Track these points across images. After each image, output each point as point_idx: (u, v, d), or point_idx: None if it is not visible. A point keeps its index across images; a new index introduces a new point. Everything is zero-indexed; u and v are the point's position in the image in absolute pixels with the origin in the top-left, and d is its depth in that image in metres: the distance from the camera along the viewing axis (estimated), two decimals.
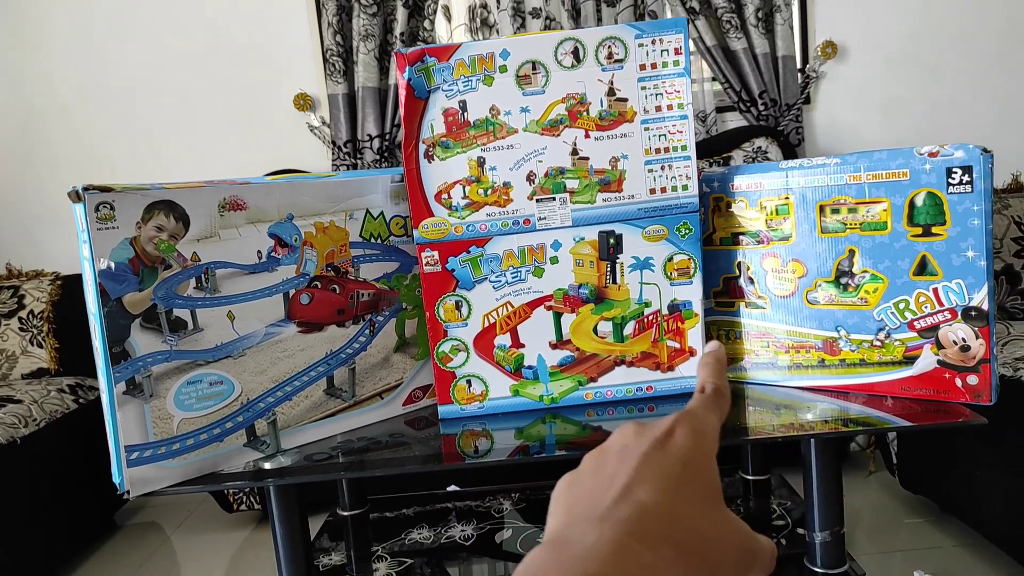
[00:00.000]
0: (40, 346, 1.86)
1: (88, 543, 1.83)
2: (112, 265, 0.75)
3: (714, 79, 2.15)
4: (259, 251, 0.85)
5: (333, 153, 2.22)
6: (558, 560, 0.26)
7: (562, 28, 2.16)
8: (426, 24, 2.14)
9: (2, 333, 1.86)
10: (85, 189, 0.73)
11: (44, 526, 1.59)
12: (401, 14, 2.10)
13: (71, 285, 1.96)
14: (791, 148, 2.04)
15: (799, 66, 2.18)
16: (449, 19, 2.27)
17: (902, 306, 0.82)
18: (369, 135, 2.18)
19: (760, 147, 1.98)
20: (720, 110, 2.20)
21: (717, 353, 0.41)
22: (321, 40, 2.19)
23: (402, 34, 2.11)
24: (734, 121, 2.18)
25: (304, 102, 2.23)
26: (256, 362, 0.85)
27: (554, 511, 0.30)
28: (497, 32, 2.17)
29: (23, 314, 1.89)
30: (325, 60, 2.17)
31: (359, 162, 2.20)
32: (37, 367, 1.86)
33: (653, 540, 0.27)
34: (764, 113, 2.11)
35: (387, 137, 2.19)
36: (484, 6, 2.19)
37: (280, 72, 2.25)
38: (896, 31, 2.17)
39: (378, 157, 2.19)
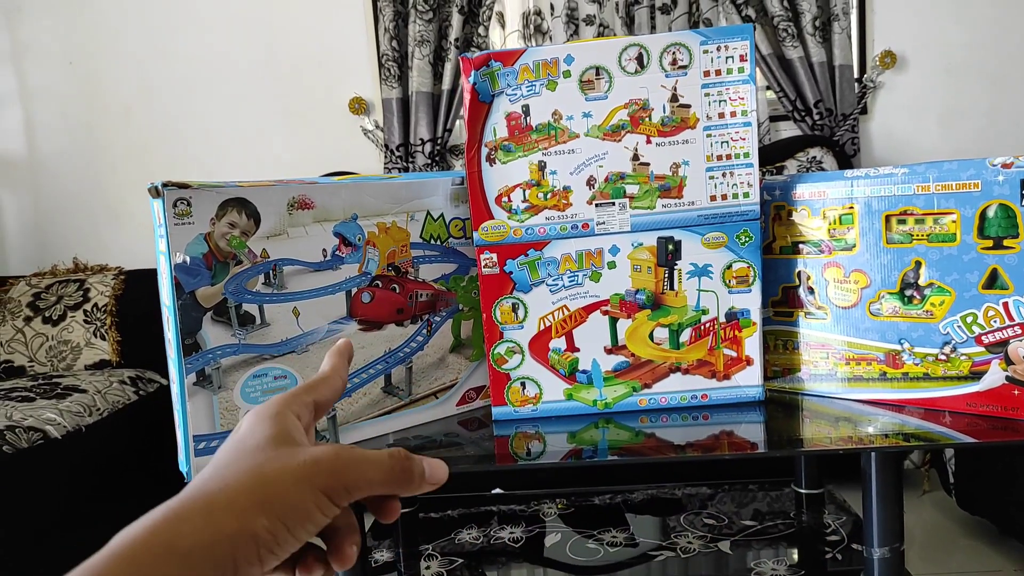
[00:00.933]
0: (103, 338, 1.93)
1: None
2: (187, 259, 0.78)
3: (768, 88, 2.13)
4: (324, 249, 0.87)
5: (385, 156, 2.26)
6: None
7: (615, 35, 2.16)
8: (480, 31, 2.17)
9: (68, 325, 1.94)
10: (164, 185, 0.76)
11: (107, 513, 1.65)
12: (456, 20, 2.13)
13: (133, 280, 2.03)
14: (846, 159, 2.01)
15: (856, 76, 2.14)
16: (503, 26, 2.29)
17: (969, 320, 0.80)
18: (421, 139, 2.21)
19: (815, 157, 1.95)
20: (774, 119, 2.18)
21: (341, 345, 0.48)
22: (377, 45, 2.23)
23: (456, 40, 2.14)
24: (788, 130, 2.16)
25: (359, 106, 2.28)
26: (318, 358, 0.87)
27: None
28: (550, 39, 2.18)
29: (88, 307, 1.96)
30: (380, 65, 2.21)
31: (411, 165, 2.24)
32: (100, 359, 1.93)
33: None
34: (819, 123, 2.08)
35: (439, 141, 2.22)
36: (538, 13, 2.21)
37: (336, 76, 2.30)
38: (956, 40, 2.12)
39: (429, 161, 2.22)
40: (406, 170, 2.25)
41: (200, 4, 2.32)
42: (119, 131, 2.39)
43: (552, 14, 2.16)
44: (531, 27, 2.22)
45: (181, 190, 0.77)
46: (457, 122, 2.24)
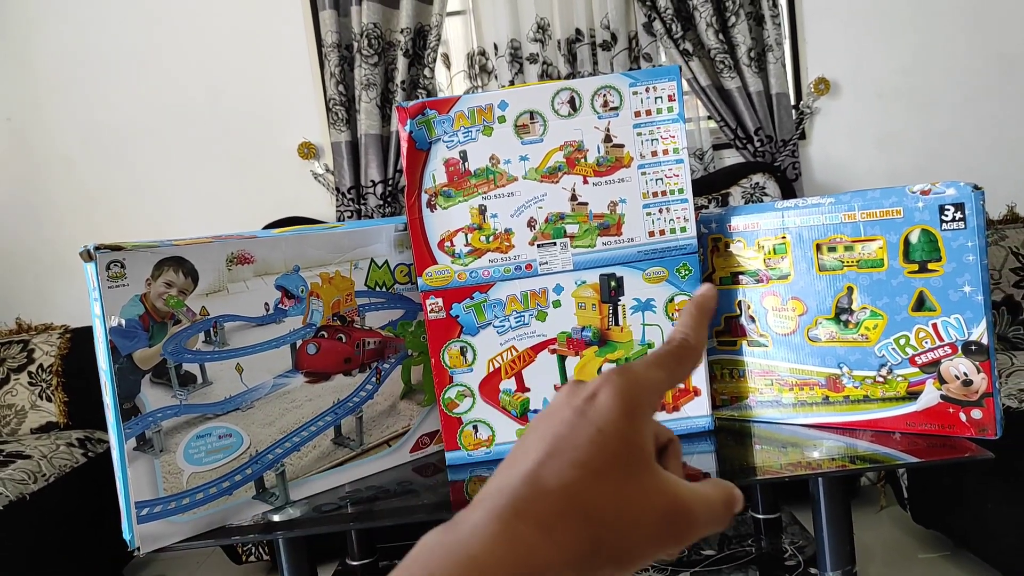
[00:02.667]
0: (49, 400, 1.87)
1: None
2: (123, 322, 0.76)
3: (710, 117, 2.19)
4: (266, 303, 0.86)
5: (337, 199, 2.25)
6: (442, 542, 0.26)
7: (559, 73, 2.20)
8: (426, 72, 2.19)
9: (11, 388, 1.88)
10: (96, 248, 0.75)
11: None
12: (402, 63, 2.15)
13: (80, 338, 1.98)
14: (788, 183, 2.06)
15: (793, 103, 2.22)
16: (448, 67, 2.32)
17: (903, 342, 0.83)
18: (372, 181, 2.21)
19: (758, 183, 2.00)
20: (717, 147, 2.23)
21: (700, 299, 0.36)
22: (324, 90, 2.24)
23: (403, 82, 2.16)
24: (731, 158, 2.21)
25: (308, 150, 2.27)
26: (264, 414, 0.86)
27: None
28: (495, 78, 2.21)
29: (32, 368, 1.90)
30: (328, 109, 2.22)
31: (363, 207, 2.23)
32: (46, 421, 1.87)
33: (546, 520, 0.26)
34: (760, 149, 2.14)
35: (390, 183, 2.22)
36: (482, 53, 2.25)
37: (283, 121, 2.30)
38: (887, 66, 2.21)
39: (381, 202, 2.22)
40: (359, 212, 2.25)
41: (143, 53, 2.30)
42: (61, 185, 2.35)
43: (496, 54, 2.20)
44: (476, 67, 2.25)
45: (114, 252, 0.76)
46: None
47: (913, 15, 2.19)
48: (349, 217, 2.24)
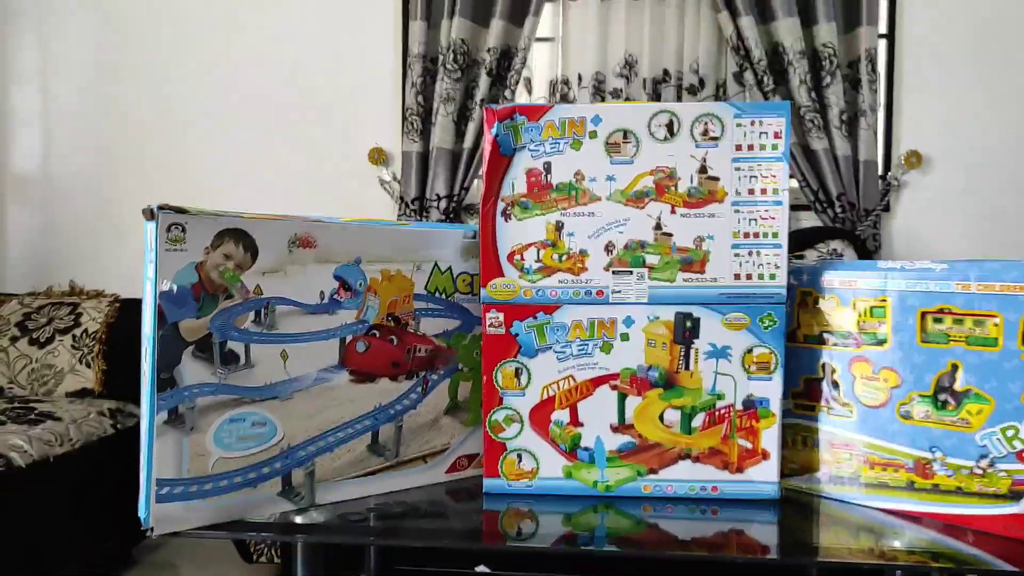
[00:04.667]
0: (88, 366, 1.86)
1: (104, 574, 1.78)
2: (175, 288, 0.73)
3: (792, 176, 2.11)
4: (322, 291, 0.82)
5: (400, 209, 2.24)
6: None
7: None
8: (507, 93, 2.17)
9: (54, 349, 1.88)
10: (160, 208, 0.72)
11: (60, 551, 1.56)
12: (484, 81, 2.14)
13: (127, 308, 1.98)
14: (868, 254, 1.97)
15: (880, 172, 2.13)
16: (530, 91, 2.30)
17: (1011, 433, 0.74)
18: (438, 195, 2.19)
19: (835, 249, 1.91)
20: (795, 208, 2.15)
21: None
22: (403, 98, 2.24)
23: (482, 100, 2.14)
24: (808, 220, 2.13)
25: (378, 156, 2.27)
26: (303, 407, 0.81)
27: None
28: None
29: (77, 332, 1.90)
30: (404, 118, 2.21)
31: (424, 219, 2.21)
32: (82, 386, 1.86)
33: None
34: (841, 215, 2.05)
35: (455, 199, 2.20)
36: (566, 82, 2.22)
37: (359, 124, 2.30)
38: (984, 143, 2.11)
39: (443, 217, 2.19)
40: None
41: (231, 38, 2.34)
42: (132, 157, 2.39)
43: (579, 84, 2.17)
44: (557, 95, 2.23)
45: (177, 215, 0.73)
46: (475, 181, 2.22)
47: (1012, 91, 2.09)
48: None
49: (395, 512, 0.83)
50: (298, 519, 0.79)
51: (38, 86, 2.46)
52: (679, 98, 2.14)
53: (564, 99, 2.22)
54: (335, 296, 0.83)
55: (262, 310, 0.78)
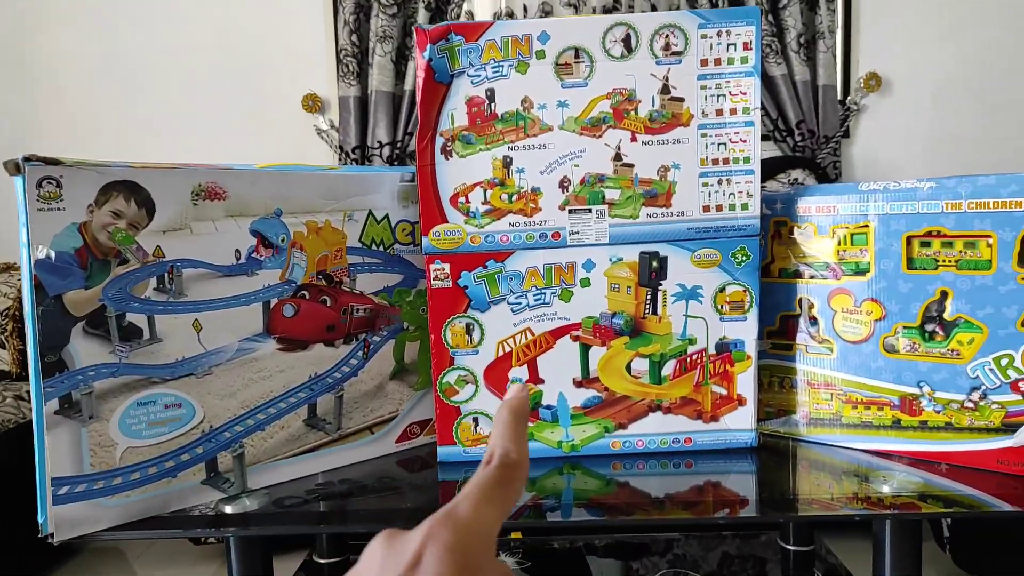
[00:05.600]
0: (2, 346, 1.72)
1: (45, 567, 1.67)
2: (52, 254, 0.61)
3: None
4: (238, 250, 0.71)
5: (340, 159, 2.10)
6: None
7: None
8: None
9: None
10: (26, 160, 0.60)
11: None
12: (422, 16, 2.00)
13: None
14: (828, 182, 1.91)
15: (840, 97, 2.06)
16: None
17: (1004, 362, 0.68)
18: (380, 142, 2.06)
19: (796, 179, 1.85)
20: None
21: (514, 404, 0.31)
22: (336, 39, 2.08)
23: None
24: (768, 151, 2.06)
25: (313, 103, 2.12)
26: (224, 383, 0.71)
27: None
28: None
29: None
30: (338, 60, 2.06)
31: None
32: None
33: None
34: (800, 144, 1.99)
35: (399, 145, 2.07)
36: (510, 15, 2.09)
37: (290, 70, 2.14)
38: (944, 64, 2.05)
39: (387, 165, 2.07)
40: None
41: None
42: (49, 115, 2.19)
43: (525, 14, 2.04)
44: None
45: (49, 166, 0.61)
46: None
47: (972, 10, 2.03)
48: None
49: (340, 491, 0.74)
50: (229, 509, 0.70)
51: None
52: None
53: None
54: (253, 254, 0.72)
55: (165, 275, 0.67)
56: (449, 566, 0.24)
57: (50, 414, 0.62)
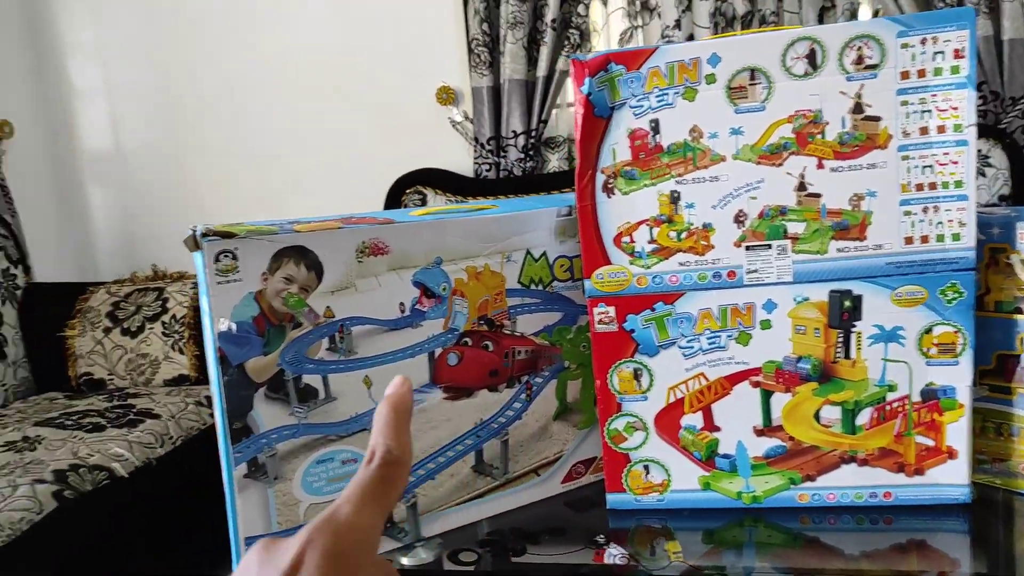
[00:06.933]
0: (181, 352, 1.86)
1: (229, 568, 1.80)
2: (233, 326, 0.62)
3: None
4: (402, 303, 0.70)
5: (475, 151, 2.09)
6: None
7: (734, 11, 1.89)
8: (580, 9, 1.95)
9: (146, 337, 1.88)
10: (204, 235, 0.61)
11: (168, 557, 1.55)
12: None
13: None
14: (1018, 152, 1.69)
15: None
16: (605, 3, 2.06)
17: None
18: (514, 131, 2.03)
19: (979, 151, 1.65)
20: None
21: (395, 399, 0.31)
22: (467, 29, 2.05)
23: (553, 20, 1.93)
24: None
25: (447, 95, 2.11)
26: None
27: None
28: (659, 16, 1.94)
29: (166, 318, 1.89)
30: (470, 51, 2.03)
31: (503, 160, 2.06)
32: (178, 373, 1.86)
33: None
34: (982, 108, 1.76)
35: (533, 134, 2.03)
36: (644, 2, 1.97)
37: (422, 63, 2.14)
38: None
39: (522, 155, 2.03)
40: (497, 165, 2.07)
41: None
42: (199, 129, 2.32)
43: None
44: (637, 3, 1.98)
45: (225, 240, 0.62)
46: (554, 112, 2.04)
47: None
48: (487, 171, 2.07)
49: (513, 535, 0.73)
50: (405, 560, 0.71)
51: (96, 62, 2.40)
52: (821, 20, 1.84)
53: (645, 7, 1.98)
54: (417, 306, 0.71)
55: (336, 335, 0.67)
56: (328, 572, 0.24)
57: (240, 478, 0.64)
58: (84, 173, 2.47)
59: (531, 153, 2.04)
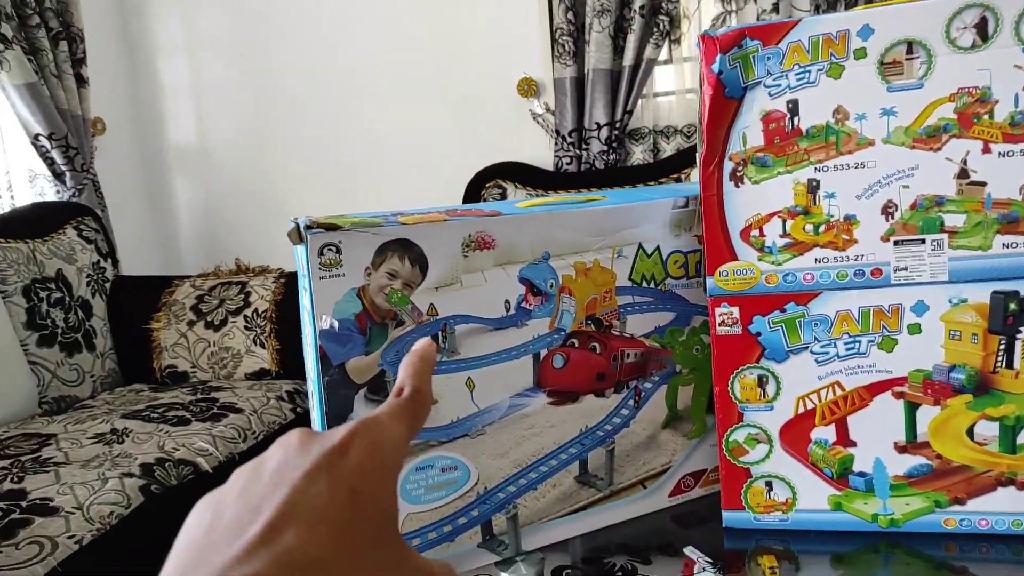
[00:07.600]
0: (263, 346, 1.86)
1: None
2: (335, 324, 0.59)
3: None
4: (507, 300, 0.66)
5: (556, 143, 2.03)
6: None
7: None
8: None
9: (229, 331, 1.89)
10: (307, 228, 0.57)
11: None
12: None
13: (293, 283, 1.95)
14: None
15: None
16: None
17: None
18: (597, 123, 1.96)
19: None
20: None
21: (422, 350, 0.33)
22: (551, 17, 1.99)
23: (642, 7, 1.86)
24: None
25: (529, 87, 2.06)
26: (497, 442, 0.66)
27: (174, 548, 0.24)
28: (754, 1, 1.84)
29: (248, 312, 1.90)
30: (554, 40, 1.98)
31: (584, 152, 1.99)
32: (259, 367, 1.87)
33: None
34: None
35: (616, 125, 1.96)
36: None
37: (504, 54, 2.10)
38: None
39: (605, 147, 1.97)
40: (579, 158, 2.01)
41: None
42: (283, 124, 2.34)
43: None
44: None
45: (329, 232, 0.58)
46: (639, 102, 1.96)
47: None
48: (568, 163, 2.01)
49: (617, 551, 0.68)
50: (504, 575, 0.66)
51: (185, 59, 2.45)
52: None
53: None
54: (523, 304, 0.66)
55: (439, 333, 0.63)
56: (371, 462, 0.25)
57: None
58: (171, 169, 2.52)
59: (614, 145, 1.97)
